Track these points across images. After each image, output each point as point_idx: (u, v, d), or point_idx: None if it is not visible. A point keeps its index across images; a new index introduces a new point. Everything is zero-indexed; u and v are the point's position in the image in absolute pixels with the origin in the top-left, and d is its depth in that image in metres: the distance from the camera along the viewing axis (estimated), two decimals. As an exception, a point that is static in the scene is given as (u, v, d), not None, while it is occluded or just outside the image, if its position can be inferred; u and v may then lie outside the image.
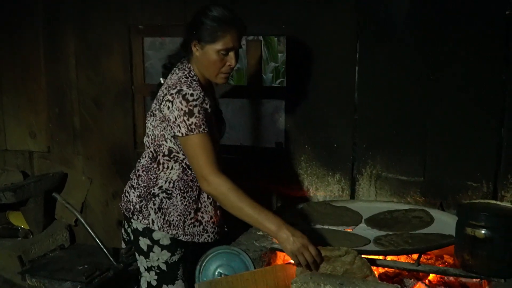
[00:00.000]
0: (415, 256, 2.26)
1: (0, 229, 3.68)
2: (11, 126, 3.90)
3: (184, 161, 2.26)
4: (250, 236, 2.51)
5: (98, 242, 2.48)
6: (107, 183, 3.68)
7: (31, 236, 3.63)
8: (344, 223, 2.61)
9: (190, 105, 2.08)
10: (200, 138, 2.09)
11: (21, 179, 3.70)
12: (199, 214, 2.32)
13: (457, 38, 2.73)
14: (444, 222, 2.53)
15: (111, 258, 2.43)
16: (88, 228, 2.54)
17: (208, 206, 2.34)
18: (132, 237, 2.38)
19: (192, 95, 2.09)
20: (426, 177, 2.87)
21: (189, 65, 2.25)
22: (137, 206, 2.31)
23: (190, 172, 2.28)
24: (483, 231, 1.96)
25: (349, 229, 2.54)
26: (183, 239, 2.31)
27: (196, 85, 2.16)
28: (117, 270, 2.41)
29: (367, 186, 3.00)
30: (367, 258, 2.06)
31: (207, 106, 2.15)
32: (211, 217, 2.35)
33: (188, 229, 2.30)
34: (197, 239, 2.34)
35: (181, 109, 2.08)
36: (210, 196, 2.28)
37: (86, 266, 2.44)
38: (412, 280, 2.26)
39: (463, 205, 2.21)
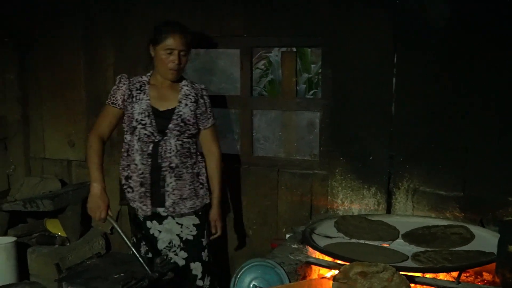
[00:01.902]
0: (454, 273, 2.20)
1: (37, 237, 3.76)
2: (50, 135, 4.00)
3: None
4: (285, 249, 2.50)
5: (134, 251, 2.51)
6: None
7: (68, 244, 3.69)
8: (380, 237, 2.56)
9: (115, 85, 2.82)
10: (104, 107, 2.82)
11: (59, 187, 3.78)
12: (130, 181, 2.77)
13: (499, 46, 2.67)
14: (485, 238, 2.47)
15: (146, 268, 2.45)
16: (124, 237, 2.57)
17: (136, 166, 2.74)
18: None
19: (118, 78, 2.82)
20: (466, 192, 2.80)
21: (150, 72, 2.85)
22: None
23: (126, 141, 2.79)
24: (526, 249, 1.90)
25: (385, 244, 2.50)
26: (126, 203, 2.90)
27: (135, 78, 2.81)
28: (152, 279, 2.42)
29: (404, 200, 2.94)
30: (405, 275, 2.02)
31: (123, 86, 2.77)
32: (139, 188, 2.74)
33: (125, 194, 2.82)
34: (131, 204, 2.80)
35: None
36: (137, 164, 2.73)
37: (122, 274, 2.46)
38: (451, 298, 2.21)
39: (505, 222, 2.16)
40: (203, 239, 2.85)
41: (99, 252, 2.92)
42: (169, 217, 2.80)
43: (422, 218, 2.80)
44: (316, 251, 2.42)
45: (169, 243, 2.81)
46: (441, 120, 2.83)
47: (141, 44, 3.57)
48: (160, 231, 2.82)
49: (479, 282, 2.30)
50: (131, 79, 2.82)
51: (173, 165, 2.74)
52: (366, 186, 3.03)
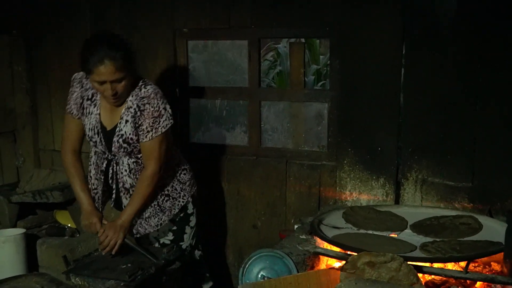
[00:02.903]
0: (462, 263, 2.20)
1: (47, 228, 3.78)
2: (59, 127, 4.00)
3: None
4: (293, 240, 2.51)
5: (130, 243, 2.52)
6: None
7: (78, 235, 3.71)
8: (388, 228, 2.56)
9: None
10: (65, 116, 2.62)
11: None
12: (90, 182, 2.68)
13: (505, 38, 2.65)
14: (493, 229, 2.46)
15: (149, 257, 2.46)
16: (131, 243, 2.57)
17: (91, 178, 2.67)
18: None
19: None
20: (475, 183, 2.79)
21: None
22: None
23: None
24: (535, 239, 1.89)
25: (394, 235, 2.50)
26: None
27: (86, 82, 2.51)
28: (158, 266, 2.44)
29: (413, 191, 2.93)
30: (413, 265, 2.02)
31: (75, 93, 2.55)
32: (94, 188, 2.67)
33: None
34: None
35: None
36: (91, 177, 2.68)
37: (129, 265, 2.48)
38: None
39: (513, 212, 2.14)
40: (182, 243, 2.75)
41: (108, 243, 2.93)
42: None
43: (431, 209, 2.80)
44: (324, 242, 2.42)
45: (150, 243, 2.75)
46: (449, 110, 2.82)
47: (149, 37, 3.59)
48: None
49: (487, 272, 2.30)
50: (84, 83, 2.53)
51: (127, 185, 2.58)
52: (374, 177, 3.02)
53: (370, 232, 2.52)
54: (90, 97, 2.53)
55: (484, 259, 2.30)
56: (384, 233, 2.50)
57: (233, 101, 3.61)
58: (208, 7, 3.40)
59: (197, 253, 2.85)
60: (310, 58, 5.89)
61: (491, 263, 2.35)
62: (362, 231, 2.54)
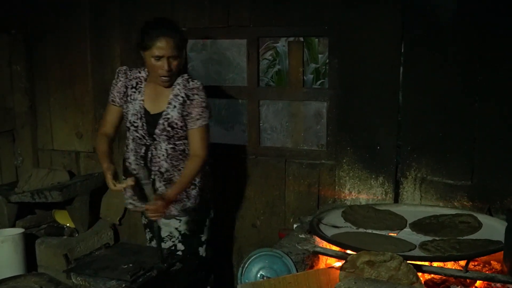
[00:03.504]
0: (462, 262, 2.19)
1: (46, 228, 3.79)
2: (58, 126, 4.01)
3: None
4: (292, 239, 2.50)
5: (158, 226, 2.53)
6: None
7: (77, 235, 3.71)
8: (388, 227, 2.56)
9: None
10: (107, 105, 2.75)
11: (67, 179, 3.79)
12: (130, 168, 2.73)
13: (505, 38, 2.65)
14: (493, 227, 2.46)
15: (159, 254, 2.45)
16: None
17: (131, 164, 2.72)
18: None
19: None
20: (474, 181, 2.78)
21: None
22: None
23: (127, 137, 2.74)
24: (535, 238, 1.89)
25: (393, 234, 2.50)
26: None
27: (135, 71, 2.71)
28: (160, 269, 2.43)
29: (412, 189, 2.93)
30: (413, 264, 2.02)
31: (119, 83, 2.69)
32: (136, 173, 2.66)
33: None
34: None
35: None
36: (131, 163, 2.72)
37: (130, 265, 2.48)
38: (459, 287, 2.20)
39: (513, 210, 2.14)
40: (202, 235, 2.82)
41: (107, 243, 2.92)
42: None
43: (430, 207, 2.80)
44: (323, 241, 2.42)
45: (170, 233, 2.80)
46: (449, 109, 2.81)
47: (147, 35, 3.58)
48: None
49: (487, 270, 2.30)
50: (128, 74, 2.72)
51: (162, 169, 2.67)
52: (373, 176, 3.02)
53: (369, 231, 2.52)
54: (134, 85, 2.69)
55: (484, 258, 2.30)
56: (384, 232, 2.50)
57: (232, 100, 3.61)
58: (207, 6, 3.40)
59: (210, 250, 2.88)
60: (309, 57, 5.89)
61: (491, 262, 2.35)
62: (361, 230, 2.54)
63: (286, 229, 3.21)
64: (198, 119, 2.61)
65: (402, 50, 2.88)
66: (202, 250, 2.82)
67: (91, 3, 3.74)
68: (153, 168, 2.68)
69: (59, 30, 3.86)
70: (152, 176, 2.68)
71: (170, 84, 2.62)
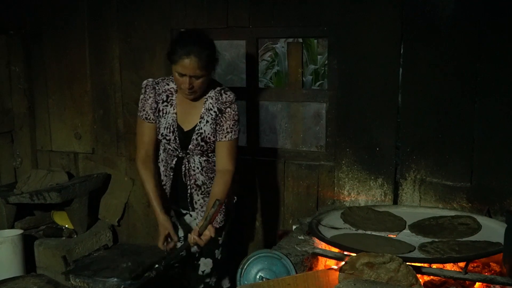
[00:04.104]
0: (461, 264, 2.19)
1: (44, 229, 3.78)
2: (57, 127, 4.01)
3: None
4: (291, 240, 2.50)
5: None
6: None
7: (75, 236, 3.71)
8: (387, 228, 2.56)
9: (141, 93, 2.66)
10: (138, 122, 2.67)
11: (66, 180, 3.79)
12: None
13: (504, 37, 2.65)
14: (492, 229, 2.45)
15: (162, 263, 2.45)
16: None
17: (161, 175, 2.73)
18: None
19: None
20: (473, 183, 2.78)
21: None
22: None
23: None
24: (535, 240, 1.89)
25: (392, 235, 2.49)
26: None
27: (162, 83, 2.63)
28: (159, 270, 2.43)
29: (411, 191, 2.93)
30: (412, 266, 2.01)
31: (149, 99, 2.61)
32: (163, 184, 2.71)
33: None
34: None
35: None
36: (161, 174, 2.72)
37: (129, 264, 2.48)
38: (458, 288, 2.20)
39: (512, 212, 2.13)
40: (219, 238, 2.78)
41: (106, 244, 2.93)
42: (188, 214, 2.76)
43: (429, 209, 2.79)
44: (322, 242, 2.41)
45: (188, 232, 2.80)
46: (448, 110, 2.81)
47: (146, 36, 3.58)
48: (179, 223, 2.81)
49: (486, 272, 2.29)
50: (157, 88, 2.63)
51: (199, 182, 2.65)
52: (372, 177, 3.02)
53: (368, 232, 2.52)
54: (165, 99, 2.63)
55: (483, 259, 2.30)
56: (383, 234, 2.49)
57: (231, 101, 3.60)
58: (205, 7, 3.39)
59: (225, 252, 2.85)
60: (308, 58, 5.89)
61: (490, 263, 2.35)
62: (360, 231, 2.54)
63: (285, 230, 3.21)
64: (228, 133, 2.57)
65: (402, 51, 2.88)
66: (218, 253, 2.78)
67: (89, 4, 3.74)
68: (189, 181, 2.66)
69: (57, 31, 3.86)
70: (189, 190, 2.67)
71: (197, 98, 2.57)
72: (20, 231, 3.49)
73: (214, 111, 2.57)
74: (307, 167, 3.28)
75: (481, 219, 2.56)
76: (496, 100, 2.71)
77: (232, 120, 2.57)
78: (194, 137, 2.58)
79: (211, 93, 2.59)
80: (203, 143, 2.58)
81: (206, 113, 2.58)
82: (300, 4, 3.14)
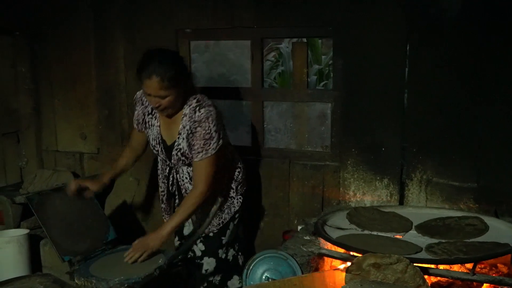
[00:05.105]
0: (468, 265, 2.18)
1: (51, 228, 3.78)
2: (62, 128, 4.01)
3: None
4: (297, 241, 2.49)
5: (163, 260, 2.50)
6: (154, 184, 3.72)
7: (81, 236, 3.71)
8: (393, 229, 2.55)
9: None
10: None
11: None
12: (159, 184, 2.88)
13: (510, 37, 2.63)
14: (499, 230, 2.45)
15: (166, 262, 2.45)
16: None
17: (159, 181, 2.87)
18: None
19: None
20: (480, 183, 2.77)
21: None
22: None
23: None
24: (543, 241, 1.88)
25: (398, 236, 2.48)
26: None
27: (145, 99, 2.64)
28: (163, 269, 2.43)
29: (417, 191, 2.92)
30: (419, 267, 2.00)
31: (136, 111, 2.74)
32: (162, 190, 2.87)
33: None
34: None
35: None
36: (159, 180, 2.87)
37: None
38: (465, 290, 2.19)
39: (520, 213, 2.12)
40: (223, 238, 2.81)
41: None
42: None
43: (436, 210, 2.78)
44: (328, 243, 2.41)
45: (193, 231, 2.81)
46: (454, 110, 2.80)
47: (150, 36, 3.58)
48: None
49: (494, 273, 2.29)
50: (144, 100, 2.70)
51: (189, 191, 2.68)
52: (378, 178, 3.01)
53: (374, 233, 2.51)
54: (150, 111, 2.70)
55: (491, 260, 2.29)
56: (389, 234, 2.49)
57: (236, 102, 3.60)
58: (210, 7, 3.39)
59: (231, 252, 2.87)
60: (312, 58, 5.86)
61: (498, 264, 2.34)
62: (366, 232, 2.53)
63: (290, 230, 3.20)
64: (199, 152, 2.53)
65: (407, 51, 2.87)
66: (221, 252, 2.81)
67: (93, 4, 3.74)
68: (180, 190, 2.76)
69: (62, 31, 3.86)
70: (177, 200, 2.82)
71: (172, 114, 2.57)
72: (26, 231, 3.50)
73: (187, 129, 2.55)
74: (312, 167, 3.27)
75: (488, 220, 2.55)
76: (502, 101, 2.70)
77: (202, 140, 2.51)
78: (174, 152, 2.63)
79: (187, 110, 2.55)
80: (183, 158, 2.62)
81: (182, 130, 2.58)
82: (305, 4, 3.14)
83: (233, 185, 2.83)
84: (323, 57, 5.95)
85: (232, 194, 2.82)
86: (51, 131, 4.05)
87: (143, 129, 2.76)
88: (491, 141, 2.74)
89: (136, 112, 2.76)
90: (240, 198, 2.86)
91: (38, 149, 4.10)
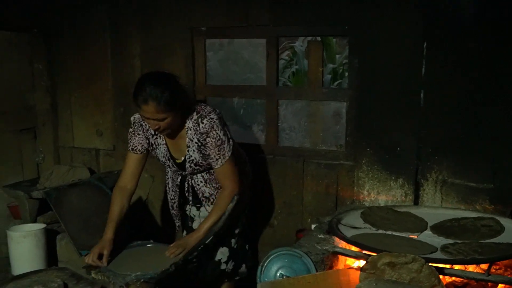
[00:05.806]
0: (483, 266, 2.17)
1: (66, 223, 3.82)
2: (78, 124, 4.06)
3: None
4: (311, 239, 2.50)
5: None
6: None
7: (96, 231, 3.74)
8: (408, 229, 2.54)
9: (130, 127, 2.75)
10: (127, 154, 2.76)
11: (87, 176, 3.83)
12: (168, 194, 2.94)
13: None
14: (515, 231, 2.43)
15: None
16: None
17: (169, 190, 2.92)
18: None
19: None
20: (496, 184, 2.75)
21: None
22: None
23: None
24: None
25: (413, 236, 2.48)
26: None
27: (145, 123, 2.62)
28: (178, 265, 2.45)
29: (432, 192, 2.91)
30: (434, 267, 2.00)
31: (137, 136, 2.71)
32: (170, 209, 2.95)
33: None
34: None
35: None
36: (169, 188, 2.91)
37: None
38: (480, 290, 2.18)
39: (537, 214, 2.11)
40: (236, 229, 2.85)
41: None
42: (204, 207, 2.83)
43: (451, 210, 2.77)
44: (342, 241, 2.41)
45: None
46: (470, 110, 2.78)
47: (166, 34, 3.60)
48: (194, 215, 2.89)
49: (509, 274, 2.27)
50: (143, 124, 2.68)
51: (206, 194, 2.78)
52: (393, 177, 3.00)
53: (389, 232, 2.50)
54: (153, 133, 2.69)
55: (506, 261, 2.27)
56: (404, 234, 2.48)
57: (250, 100, 3.62)
58: (225, 5, 3.40)
59: (241, 241, 2.91)
60: (326, 57, 5.86)
61: (513, 265, 2.33)
62: (381, 231, 2.53)
63: (304, 229, 3.21)
64: (218, 159, 2.61)
65: (424, 49, 2.85)
66: (233, 242, 2.85)
67: (110, 2, 3.77)
68: (197, 195, 2.79)
69: (79, 29, 3.91)
70: (189, 206, 2.86)
71: (174, 132, 2.62)
72: (42, 226, 3.54)
73: (196, 142, 2.61)
74: (326, 166, 3.27)
75: (504, 221, 2.53)
76: (520, 100, 2.67)
77: (216, 148, 2.59)
78: (187, 165, 2.68)
79: (189, 124, 2.60)
80: (197, 167, 2.68)
81: (191, 143, 2.63)
82: (321, 2, 3.13)
83: (244, 180, 2.86)
84: (337, 56, 5.94)
85: (244, 188, 2.84)
86: (68, 127, 4.10)
87: (143, 151, 2.73)
88: (507, 142, 2.72)
89: (137, 138, 2.72)
90: (248, 190, 2.93)
91: (54, 145, 4.15)
